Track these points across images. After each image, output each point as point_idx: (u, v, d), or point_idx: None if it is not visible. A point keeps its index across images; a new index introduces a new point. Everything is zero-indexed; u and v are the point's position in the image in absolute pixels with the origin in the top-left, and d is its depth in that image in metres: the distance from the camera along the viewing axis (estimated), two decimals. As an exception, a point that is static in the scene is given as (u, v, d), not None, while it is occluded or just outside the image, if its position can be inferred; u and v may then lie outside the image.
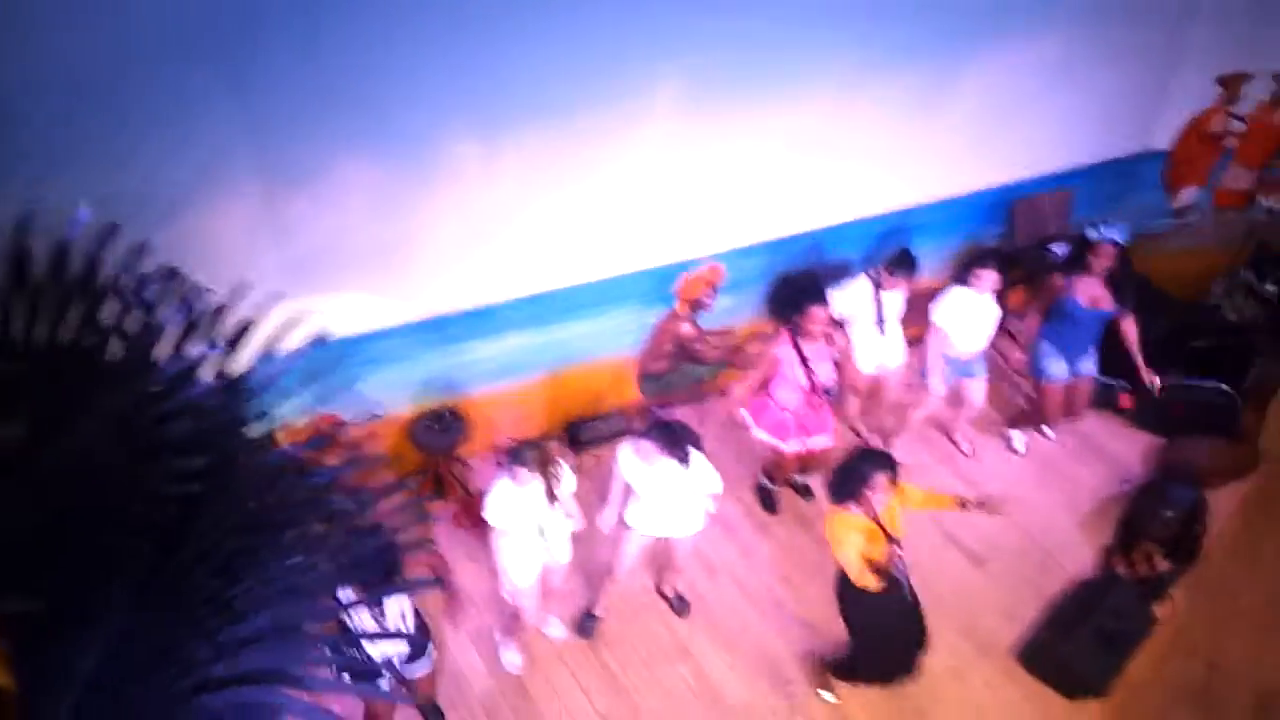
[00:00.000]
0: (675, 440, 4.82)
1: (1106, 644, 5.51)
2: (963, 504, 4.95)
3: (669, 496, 5.05)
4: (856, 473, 4.55)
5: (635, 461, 4.92)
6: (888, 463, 4.60)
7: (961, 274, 6.03)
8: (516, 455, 4.68)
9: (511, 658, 5.51)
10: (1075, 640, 5.43)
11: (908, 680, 5.33)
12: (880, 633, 5.01)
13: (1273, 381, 6.67)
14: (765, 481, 6.36)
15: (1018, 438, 6.83)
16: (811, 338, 5.47)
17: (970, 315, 5.99)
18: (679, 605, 5.81)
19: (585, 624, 5.69)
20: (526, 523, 4.85)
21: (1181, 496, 6.02)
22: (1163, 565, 6.06)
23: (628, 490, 5.13)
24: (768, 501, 6.40)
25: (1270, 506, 6.82)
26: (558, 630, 5.64)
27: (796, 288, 5.64)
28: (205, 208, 4.70)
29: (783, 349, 5.56)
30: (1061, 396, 6.39)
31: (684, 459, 4.85)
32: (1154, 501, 6.05)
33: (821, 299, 5.52)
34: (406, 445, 6.05)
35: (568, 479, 4.93)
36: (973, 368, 6.28)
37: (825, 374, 5.60)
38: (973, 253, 6.16)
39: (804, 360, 5.54)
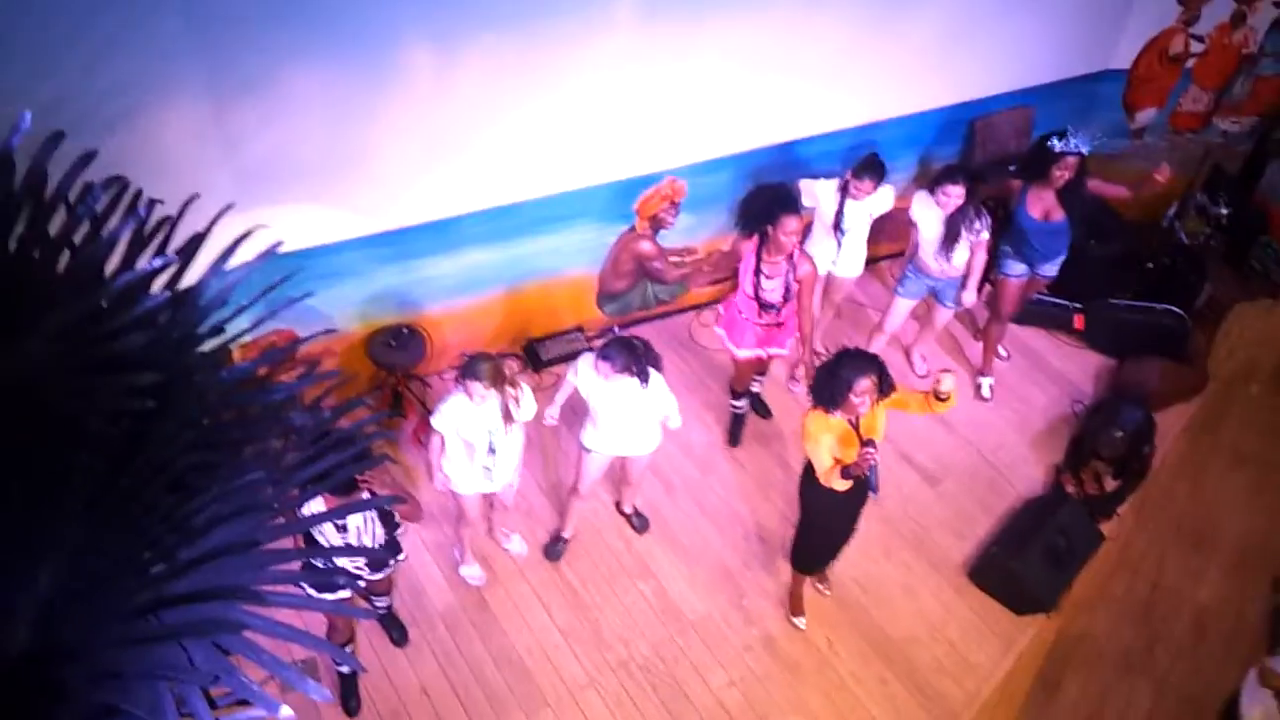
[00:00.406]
0: (635, 358, 4.78)
1: (1054, 561, 5.64)
2: (939, 396, 4.67)
3: (626, 416, 5.05)
4: (841, 378, 4.43)
5: (593, 377, 4.88)
6: (874, 367, 4.47)
7: (930, 186, 5.91)
8: (469, 368, 4.56)
9: (470, 571, 5.55)
10: (1024, 557, 5.55)
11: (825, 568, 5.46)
12: (826, 527, 5.10)
13: (1222, 304, 6.77)
14: (733, 403, 6.29)
15: (986, 384, 6.83)
16: (780, 249, 5.36)
17: (928, 227, 5.92)
18: (638, 523, 5.86)
19: (553, 548, 5.73)
20: (476, 438, 4.81)
21: (1131, 417, 6.13)
22: (1111, 484, 6.20)
23: (588, 412, 5.10)
24: (735, 432, 6.35)
25: (1215, 427, 6.98)
26: (519, 547, 5.68)
27: (770, 196, 5.51)
28: (152, 117, 4.54)
29: (747, 249, 5.47)
30: (1018, 293, 6.38)
31: (643, 377, 4.83)
32: (1104, 422, 6.16)
33: (795, 209, 5.38)
34: (364, 363, 6.00)
35: (527, 402, 4.87)
36: (945, 295, 6.20)
37: (774, 293, 5.53)
38: (939, 169, 6.06)
39: (758, 269, 5.46)
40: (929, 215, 5.90)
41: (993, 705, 5.45)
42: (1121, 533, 6.21)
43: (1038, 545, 5.60)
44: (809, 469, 4.85)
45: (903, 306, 6.33)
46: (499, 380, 4.61)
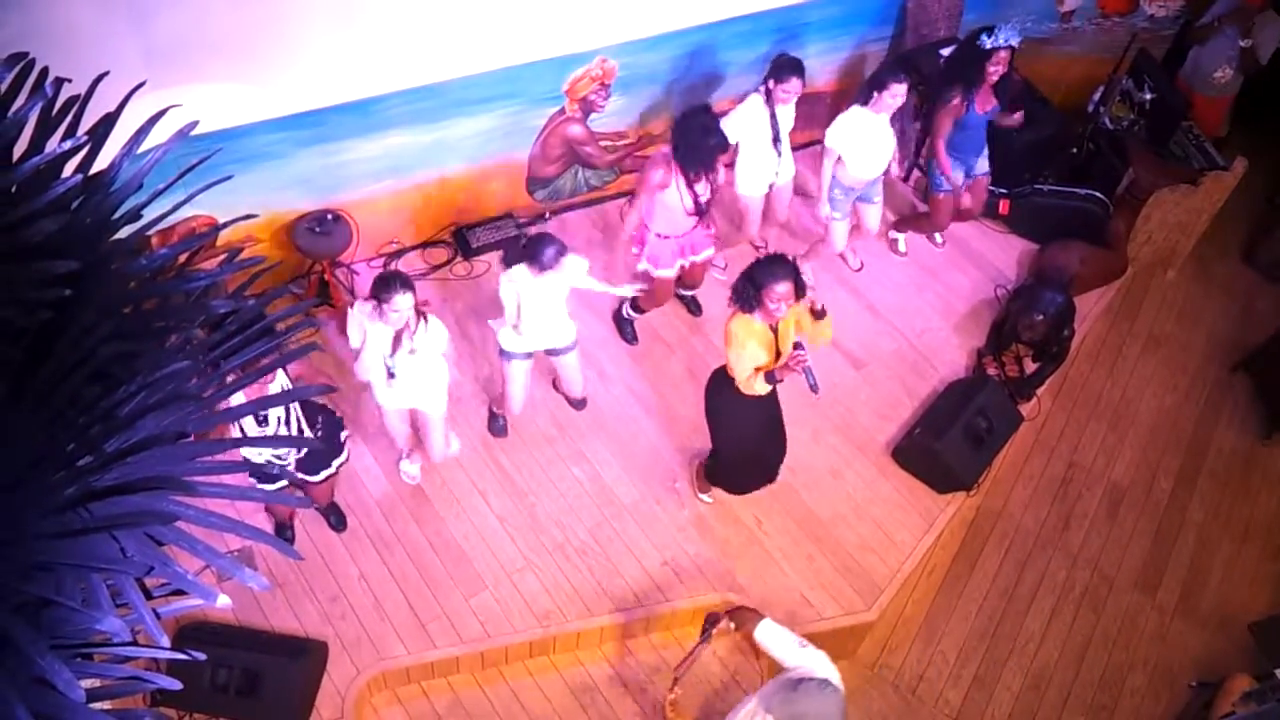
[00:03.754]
0: (554, 242, 4.74)
1: (975, 442, 5.80)
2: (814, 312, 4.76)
3: (551, 307, 5.01)
4: (755, 281, 4.43)
5: (527, 281, 4.82)
6: (789, 273, 4.45)
7: (865, 92, 5.74)
8: (389, 284, 4.46)
9: (410, 469, 5.55)
10: (946, 438, 5.69)
11: (764, 486, 5.49)
12: (742, 444, 5.13)
13: (1144, 190, 6.87)
14: (628, 311, 6.17)
15: (901, 240, 6.89)
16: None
17: (868, 138, 5.78)
18: (576, 401, 5.87)
19: (494, 423, 5.76)
20: (374, 357, 4.73)
21: (1052, 301, 6.24)
22: (1031, 367, 6.36)
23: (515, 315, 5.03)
24: (628, 331, 6.26)
25: (1132, 312, 7.18)
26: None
27: (697, 127, 5.29)
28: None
29: (669, 177, 5.27)
30: (953, 204, 6.37)
31: (557, 259, 4.75)
32: (1025, 306, 6.26)
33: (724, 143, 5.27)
34: (288, 249, 5.86)
35: (437, 333, 4.72)
36: (870, 193, 6.11)
37: (704, 192, 5.39)
38: (879, 68, 5.91)
39: (689, 183, 5.30)
40: (865, 126, 5.73)
41: (915, 580, 5.67)
42: (1040, 413, 6.40)
43: (959, 426, 5.74)
44: (715, 381, 4.89)
45: (842, 230, 6.22)
46: (391, 298, 4.47)
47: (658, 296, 5.93)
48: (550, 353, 5.35)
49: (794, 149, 6.06)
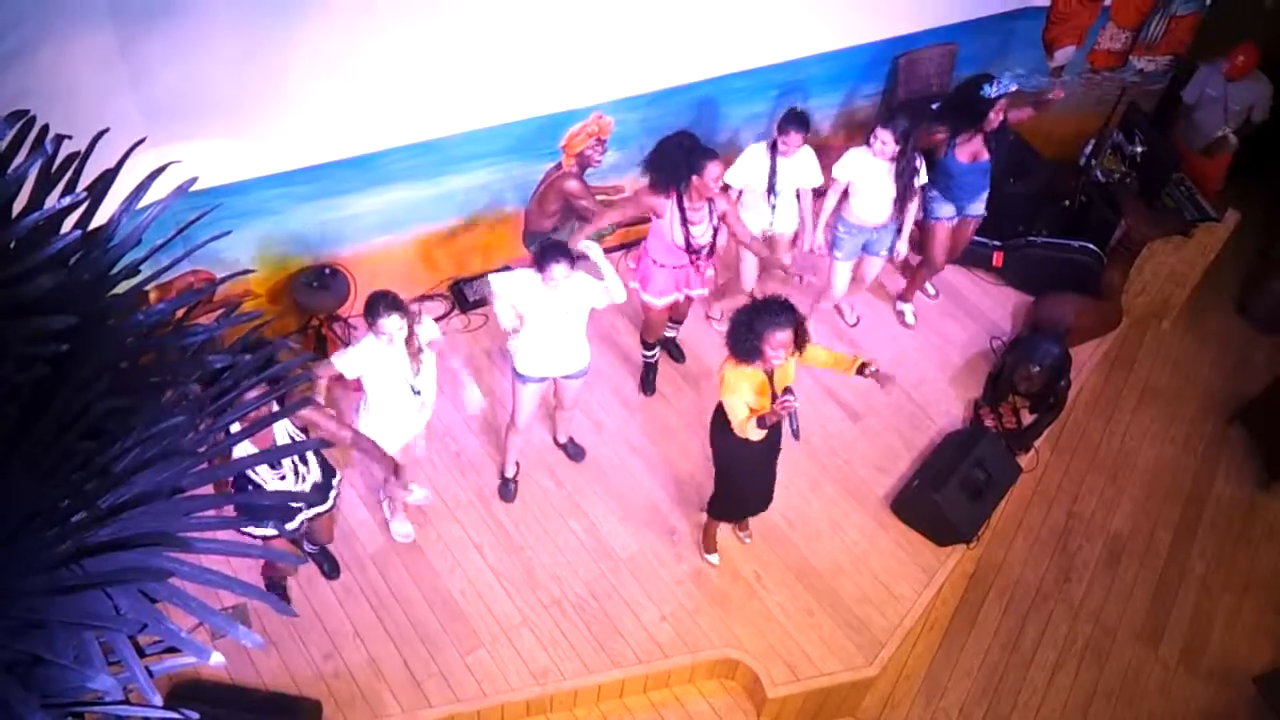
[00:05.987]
0: (565, 250, 4.75)
1: (974, 494, 5.78)
2: (862, 369, 4.87)
3: (559, 327, 4.98)
4: (756, 330, 4.41)
5: (532, 291, 4.82)
6: (790, 320, 4.44)
7: (868, 136, 5.81)
8: (376, 306, 4.45)
9: (402, 529, 5.51)
10: (945, 490, 5.67)
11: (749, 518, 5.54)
12: (737, 476, 5.13)
13: (1137, 241, 6.92)
14: (645, 353, 6.20)
15: (909, 311, 6.90)
16: (703, 194, 5.27)
17: (870, 178, 5.86)
18: (573, 450, 5.88)
19: (505, 489, 5.72)
20: (396, 385, 4.72)
21: (1048, 352, 6.26)
22: (1028, 419, 6.36)
23: (515, 332, 5.05)
24: (648, 380, 6.28)
25: (1128, 362, 7.20)
26: (420, 496, 5.60)
27: (685, 146, 5.40)
28: (55, 48, 4.33)
29: (665, 204, 5.35)
30: (948, 236, 6.42)
31: (570, 260, 4.77)
32: (1021, 357, 6.28)
33: (714, 154, 5.26)
34: (287, 304, 5.87)
35: (429, 329, 4.75)
36: (876, 245, 6.18)
37: (705, 235, 5.47)
38: (877, 115, 5.98)
39: (684, 220, 5.37)
40: (867, 168, 5.82)
41: (916, 634, 5.62)
42: (1038, 465, 6.39)
43: (958, 478, 5.72)
44: (717, 418, 4.88)
45: (844, 270, 6.29)
46: (407, 312, 4.52)
47: (654, 326, 5.96)
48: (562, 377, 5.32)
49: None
